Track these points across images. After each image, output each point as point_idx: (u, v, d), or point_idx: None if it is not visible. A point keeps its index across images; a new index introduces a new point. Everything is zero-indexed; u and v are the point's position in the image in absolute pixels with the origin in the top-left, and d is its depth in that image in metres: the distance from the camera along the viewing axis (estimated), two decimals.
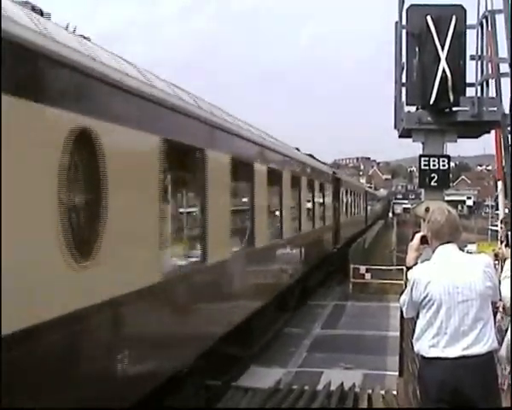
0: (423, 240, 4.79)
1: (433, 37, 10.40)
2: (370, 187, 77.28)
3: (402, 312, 9.06)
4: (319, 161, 21.71)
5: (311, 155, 20.13)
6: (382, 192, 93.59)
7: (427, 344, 4.45)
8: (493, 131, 13.78)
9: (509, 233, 9.15)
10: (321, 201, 19.61)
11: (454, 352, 4.34)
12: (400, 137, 11.99)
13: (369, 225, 43.25)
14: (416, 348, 4.65)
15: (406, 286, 4.76)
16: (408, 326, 7.86)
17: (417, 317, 4.64)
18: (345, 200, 26.69)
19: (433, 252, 4.68)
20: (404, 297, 4.68)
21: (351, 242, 26.28)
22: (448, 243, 4.60)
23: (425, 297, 4.46)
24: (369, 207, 45.95)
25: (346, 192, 27.54)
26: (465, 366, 4.32)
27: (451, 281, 4.44)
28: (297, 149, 17.60)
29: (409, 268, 4.77)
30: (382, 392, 9.76)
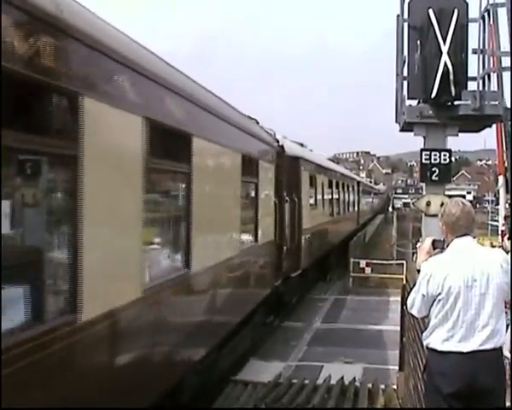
0: (434, 244, 4.72)
1: (434, 30, 10.32)
2: (371, 181, 76.99)
3: (402, 306, 8.98)
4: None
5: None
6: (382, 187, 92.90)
7: (440, 338, 4.37)
8: (494, 126, 13.73)
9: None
10: None
11: (468, 347, 4.29)
12: (401, 130, 11.92)
13: None
14: (426, 342, 4.54)
15: (413, 286, 4.64)
16: (409, 321, 7.84)
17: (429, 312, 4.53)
18: None
19: (447, 245, 4.57)
20: (414, 296, 4.54)
21: None
22: (464, 235, 4.50)
23: (442, 291, 4.35)
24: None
25: None
26: (478, 359, 4.28)
27: (470, 274, 4.35)
28: None
29: (419, 271, 4.64)
30: (382, 386, 9.77)
